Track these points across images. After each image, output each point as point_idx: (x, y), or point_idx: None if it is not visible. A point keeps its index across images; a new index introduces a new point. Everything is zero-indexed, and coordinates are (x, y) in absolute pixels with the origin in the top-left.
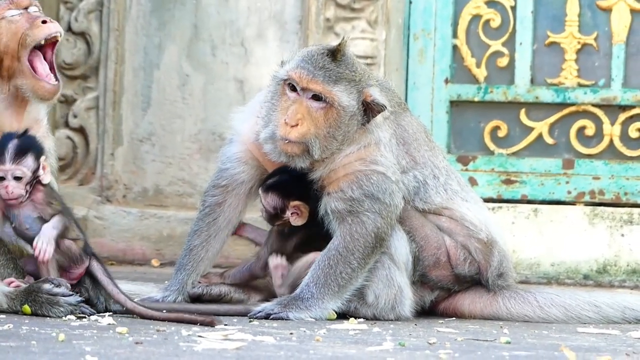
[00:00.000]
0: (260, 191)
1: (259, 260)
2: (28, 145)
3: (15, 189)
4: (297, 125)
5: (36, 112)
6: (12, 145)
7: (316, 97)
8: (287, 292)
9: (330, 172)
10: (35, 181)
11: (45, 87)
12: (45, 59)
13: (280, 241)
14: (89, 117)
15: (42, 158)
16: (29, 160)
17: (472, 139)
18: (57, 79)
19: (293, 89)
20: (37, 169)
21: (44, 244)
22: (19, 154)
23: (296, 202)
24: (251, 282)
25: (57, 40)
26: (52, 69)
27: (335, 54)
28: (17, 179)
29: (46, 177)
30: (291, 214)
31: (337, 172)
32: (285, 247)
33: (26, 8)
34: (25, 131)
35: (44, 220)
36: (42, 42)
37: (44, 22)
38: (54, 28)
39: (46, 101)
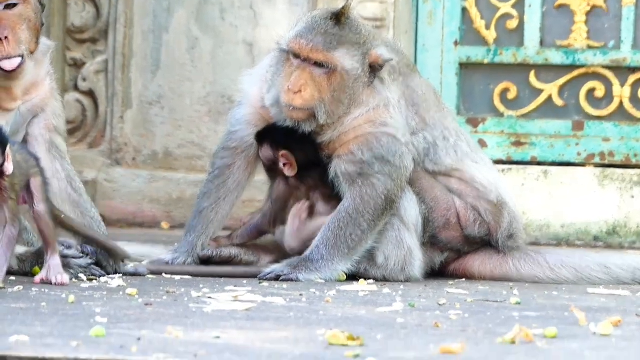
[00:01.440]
0: (256, 144)
1: (265, 217)
2: None
3: None
4: (300, 91)
5: (31, 76)
6: None
7: (319, 64)
8: (297, 247)
9: (340, 134)
10: None
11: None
12: None
13: (286, 197)
14: (98, 80)
15: (7, 148)
16: None
17: (482, 101)
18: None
19: (297, 55)
20: (3, 163)
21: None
22: None
23: (283, 152)
24: (259, 241)
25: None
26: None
27: (339, 17)
28: None
29: (9, 167)
30: (283, 164)
31: (347, 134)
32: (290, 204)
33: None
34: None
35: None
36: None
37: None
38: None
39: (11, 80)
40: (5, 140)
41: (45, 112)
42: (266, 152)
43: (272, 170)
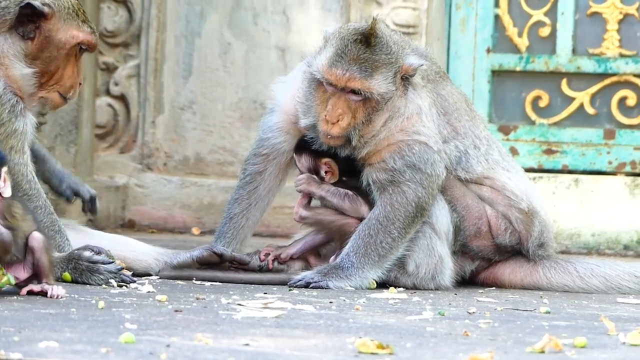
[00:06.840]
0: (294, 155)
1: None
2: None
3: None
4: (338, 121)
5: None
6: None
7: (355, 91)
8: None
9: (376, 145)
10: None
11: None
12: None
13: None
14: (130, 85)
15: (4, 170)
16: None
17: (514, 108)
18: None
19: (332, 84)
20: None
21: None
22: None
23: (326, 160)
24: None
25: None
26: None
27: (368, 38)
28: None
29: (6, 190)
30: (325, 172)
31: (381, 143)
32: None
33: (92, 48)
34: None
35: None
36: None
37: (80, 84)
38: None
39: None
40: (2, 160)
41: None
42: (306, 161)
43: None
